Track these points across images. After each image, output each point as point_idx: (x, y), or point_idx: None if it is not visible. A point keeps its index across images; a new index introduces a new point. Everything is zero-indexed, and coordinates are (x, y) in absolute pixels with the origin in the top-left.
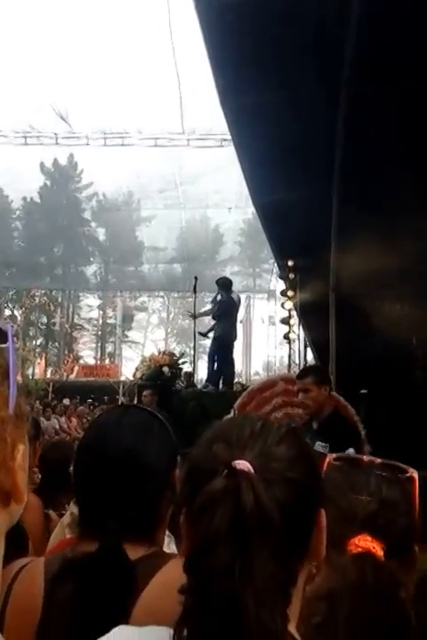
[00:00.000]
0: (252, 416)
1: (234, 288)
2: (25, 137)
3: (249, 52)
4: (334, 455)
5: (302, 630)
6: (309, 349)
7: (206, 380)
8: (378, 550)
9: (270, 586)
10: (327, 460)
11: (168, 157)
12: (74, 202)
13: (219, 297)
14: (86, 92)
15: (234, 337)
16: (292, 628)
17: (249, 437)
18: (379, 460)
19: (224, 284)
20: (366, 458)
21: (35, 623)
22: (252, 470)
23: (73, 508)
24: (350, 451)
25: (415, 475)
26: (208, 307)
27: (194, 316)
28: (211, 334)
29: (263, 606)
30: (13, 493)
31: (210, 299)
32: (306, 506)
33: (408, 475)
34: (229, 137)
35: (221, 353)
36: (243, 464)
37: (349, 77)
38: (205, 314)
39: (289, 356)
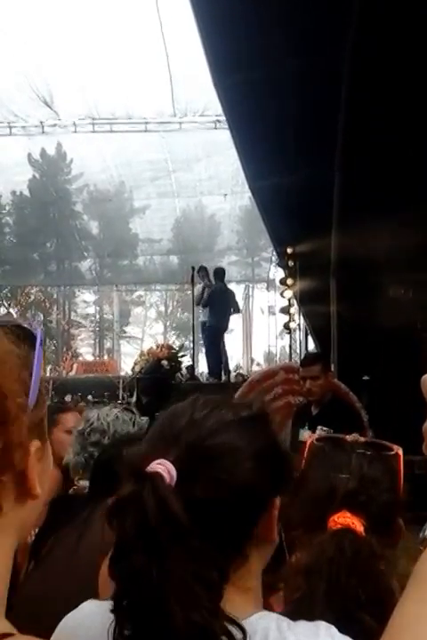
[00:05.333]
0: (201, 401)
1: (232, 278)
2: (10, 127)
3: (242, 24)
4: (316, 436)
5: (284, 606)
6: (310, 338)
7: (209, 373)
8: (358, 526)
9: (192, 584)
10: (309, 441)
11: (159, 142)
12: (64, 194)
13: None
14: (70, 75)
15: (224, 327)
16: (244, 613)
17: (182, 430)
18: (363, 440)
19: (217, 273)
20: (349, 437)
21: None
22: (168, 471)
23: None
24: (355, 435)
25: (400, 452)
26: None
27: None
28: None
29: (187, 605)
30: (27, 482)
31: None
32: (242, 501)
33: (393, 452)
34: (223, 118)
35: (210, 343)
36: (157, 466)
37: (352, 44)
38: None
39: (290, 346)
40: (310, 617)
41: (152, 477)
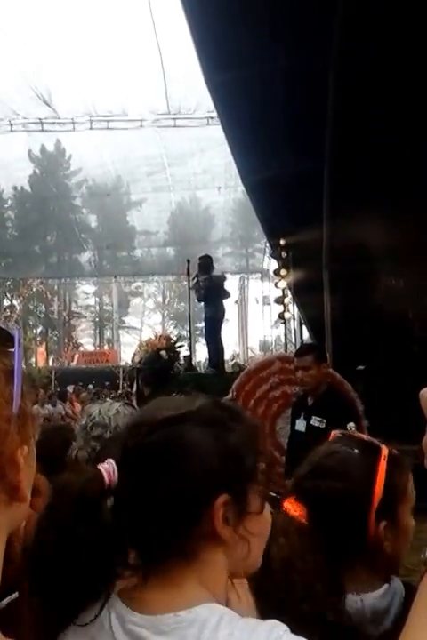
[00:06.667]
0: (152, 405)
1: (227, 269)
2: (10, 124)
3: (232, 24)
4: (339, 431)
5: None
6: (304, 327)
7: (209, 363)
8: (298, 512)
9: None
10: (332, 433)
11: (155, 139)
12: (64, 189)
13: (200, 279)
14: (68, 74)
15: (221, 316)
16: None
17: (123, 433)
18: (361, 436)
19: (203, 265)
20: (349, 431)
21: None
22: (109, 471)
23: None
24: (351, 425)
25: (385, 453)
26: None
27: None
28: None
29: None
30: (18, 491)
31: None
32: (175, 500)
33: (379, 453)
34: (215, 114)
35: (207, 334)
36: (103, 465)
37: (338, 40)
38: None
39: (285, 336)
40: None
41: (93, 473)
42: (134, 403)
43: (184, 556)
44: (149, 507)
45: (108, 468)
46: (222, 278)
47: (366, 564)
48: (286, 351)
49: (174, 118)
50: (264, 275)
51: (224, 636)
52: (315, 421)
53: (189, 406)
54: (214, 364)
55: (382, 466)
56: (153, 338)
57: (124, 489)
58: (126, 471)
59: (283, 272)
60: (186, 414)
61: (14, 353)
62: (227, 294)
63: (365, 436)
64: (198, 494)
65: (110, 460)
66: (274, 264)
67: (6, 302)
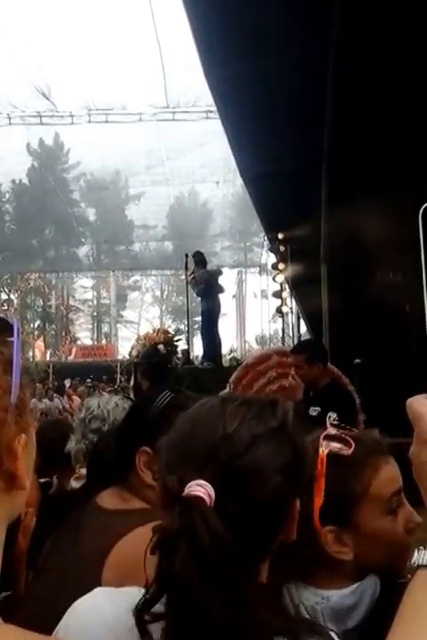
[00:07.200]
0: (230, 409)
1: (225, 263)
2: (9, 117)
3: (232, 18)
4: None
5: None
6: (302, 321)
7: (202, 357)
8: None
9: (235, 589)
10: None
11: (153, 132)
12: (62, 183)
13: (197, 274)
14: (67, 67)
15: (218, 310)
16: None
17: (216, 446)
18: (335, 423)
19: (199, 261)
20: (329, 420)
21: None
22: (208, 494)
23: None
24: (331, 414)
25: (323, 454)
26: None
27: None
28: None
29: (228, 606)
30: (16, 479)
31: None
32: (272, 511)
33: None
34: (214, 108)
35: (204, 328)
36: (197, 489)
37: (337, 36)
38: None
39: (283, 330)
40: None
41: (195, 503)
42: (132, 397)
43: (258, 562)
44: (242, 519)
45: (203, 491)
46: (218, 273)
47: (328, 566)
48: (283, 345)
49: (173, 112)
50: (262, 269)
51: None
52: (312, 411)
53: (271, 417)
54: (210, 357)
55: (321, 471)
56: (151, 332)
57: (225, 507)
58: (223, 487)
59: (281, 266)
60: (275, 429)
61: (13, 342)
62: (221, 289)
63: (334, 431)
64: (286, 503)
65: (202, 482)
66: (272, 258)
67: (4, 296)
